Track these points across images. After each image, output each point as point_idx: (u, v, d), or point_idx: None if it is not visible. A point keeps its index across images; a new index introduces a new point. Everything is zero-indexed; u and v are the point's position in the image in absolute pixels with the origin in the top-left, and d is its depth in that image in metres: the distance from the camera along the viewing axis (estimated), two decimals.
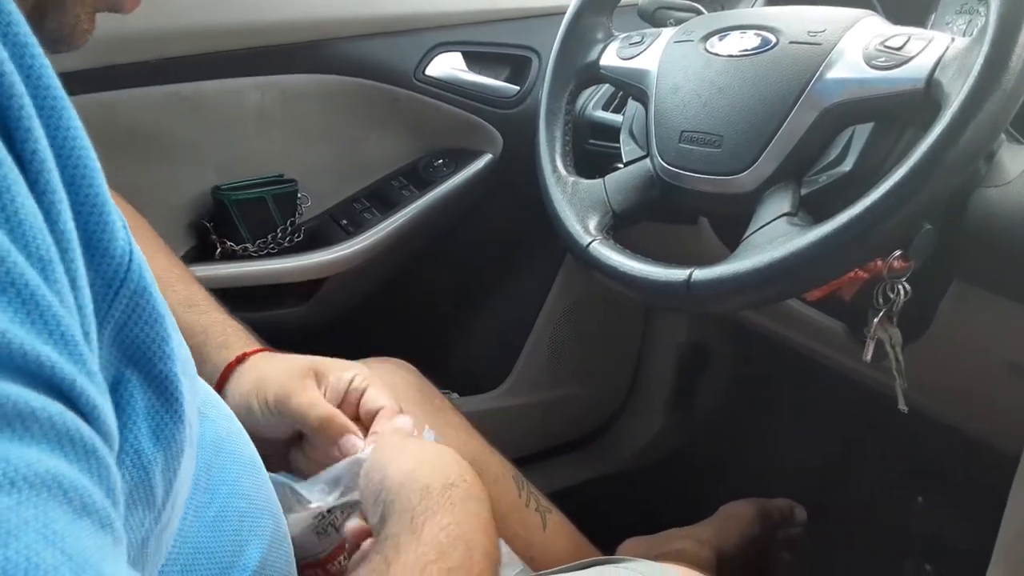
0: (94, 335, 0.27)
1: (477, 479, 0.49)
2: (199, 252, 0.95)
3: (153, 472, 0.30)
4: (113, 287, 0.28)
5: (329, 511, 0.53)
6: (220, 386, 0.60)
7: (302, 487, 0.53)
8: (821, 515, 1.05)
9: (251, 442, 0.48)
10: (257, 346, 0.63)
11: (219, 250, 0.95)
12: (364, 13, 0.98)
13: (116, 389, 0.29)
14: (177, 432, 0.31)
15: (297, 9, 0.95)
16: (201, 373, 0.58)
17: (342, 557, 0.53)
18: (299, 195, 0.98)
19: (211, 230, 0.95)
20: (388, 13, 0.99)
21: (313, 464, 0.56)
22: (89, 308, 0.27)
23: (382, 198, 1.03)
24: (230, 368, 0.60)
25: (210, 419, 0.45)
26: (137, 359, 0.29)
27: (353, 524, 0.50)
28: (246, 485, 0.45)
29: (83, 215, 0.27)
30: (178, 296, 0.64)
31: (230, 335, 0.63)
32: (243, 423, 0.55)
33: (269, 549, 0.44)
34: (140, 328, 0.29)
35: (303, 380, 0.58)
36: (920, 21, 0.79)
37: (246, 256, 0.95)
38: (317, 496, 0.53)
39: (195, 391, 0.38)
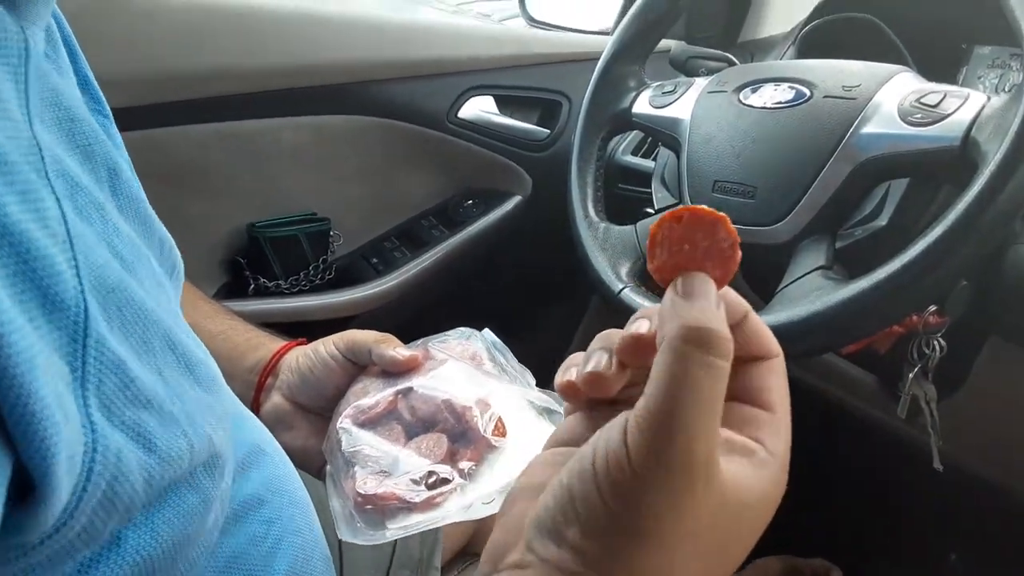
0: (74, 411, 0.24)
1: None
2: (233, 287, 0.97)
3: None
4: (79, 341, 0.25)
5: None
6: (273, 367, 0.59)
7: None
8: (850, 571, 1.02)
9: (303, 487, 0.47)
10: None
11: (252, 286, 0.96)
12: (399, 57, 1.00)
13: (108, 453, 0.25)
14: (166, 474, 0.29)
15: (334, 53, 0.97)
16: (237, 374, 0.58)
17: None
18: (331, 233, 1.00)
19: (245, 266, 0.96)
20: (422, 57, 1.01)
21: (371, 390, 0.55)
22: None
23: (412, 237, 1.04)
24: (278, 355, 0.60)
25: (267, 455, 0.44)
26: (111, 413, 0.26)
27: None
28: (300, 523, 0.44)
29: (29, 263, 0.23)
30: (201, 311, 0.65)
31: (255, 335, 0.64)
32: (304, 381, 0.56)
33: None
34: (109, 379, 0.26)
35: None
36: (951, 75, 0.80)
37: (279, 292, 0.96)
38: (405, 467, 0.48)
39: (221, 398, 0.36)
